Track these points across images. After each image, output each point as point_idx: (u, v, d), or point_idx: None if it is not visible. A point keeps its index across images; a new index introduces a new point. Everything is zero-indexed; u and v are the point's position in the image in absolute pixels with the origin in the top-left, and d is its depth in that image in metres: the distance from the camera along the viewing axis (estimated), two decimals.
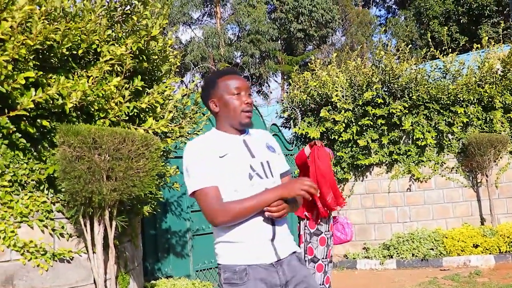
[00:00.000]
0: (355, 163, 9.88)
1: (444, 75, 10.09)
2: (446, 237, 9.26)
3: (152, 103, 5.13)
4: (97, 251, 4.50)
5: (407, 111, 9.66)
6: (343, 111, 9.71)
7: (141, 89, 5.06)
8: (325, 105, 9.99)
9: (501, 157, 9.77)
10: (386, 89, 9.80)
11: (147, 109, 5.20)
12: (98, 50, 4.79)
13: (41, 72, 4.34)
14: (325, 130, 9.92)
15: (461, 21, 25.54)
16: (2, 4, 4.19)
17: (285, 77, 32.88)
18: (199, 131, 6.18)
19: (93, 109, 4.71)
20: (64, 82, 4.30)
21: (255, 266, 2.45)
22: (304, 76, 10.61)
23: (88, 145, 4.14)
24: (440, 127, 9.62)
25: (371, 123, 9.69)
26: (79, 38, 4.59)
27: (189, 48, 30.65)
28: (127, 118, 4.98)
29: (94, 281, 4.65)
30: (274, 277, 2.46)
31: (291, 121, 10.55)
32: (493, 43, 10.54)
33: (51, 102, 4.33)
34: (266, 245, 2.48)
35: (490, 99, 9.72)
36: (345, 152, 9.87)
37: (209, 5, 34.09)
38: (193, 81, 6.80)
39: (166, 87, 5.40)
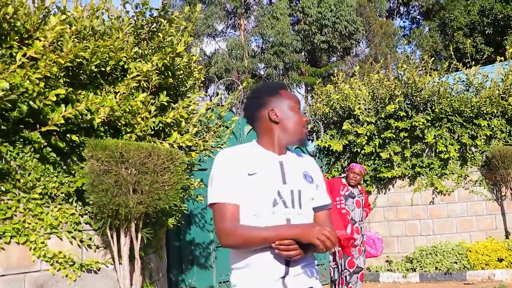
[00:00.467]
0: (377, 175, 9.91)
1: (467, 88, 10.08)
2: (470, 251, 9.22)
3: (177, 117, 5.26)
4: (123, 262, 4.63)
5: (429, 124, 9.67)
6: (365, 124, 9.76)
7: (166, 104, 5.21)
8: (348, 118, 10.05)
9: None
10: (408, 102, 9.83)
11: (172, 124, 5.33)
12: (126, 66, 4.94)
13: (71, 89, 4.51)
14: (347, 143, 9.97)
15: (486, 32, 25.37)
16: (35, 24, 4.38)
17: (308, 89, 32.94)
18: (222, 144, 6.29)
19: (120, 124, 4.86)
20: (92, 98, 4.46)
21: None
22: (326, 89, 10.69)
23: (115, 159, 4.29)
24: (463, 140, 9.61)
25: (394, 136, 9.72)
26: (107, 55, 4.75)
27: (213, 60, 30.89)
28: (152, 132, 5.13)
29: None
30: None
31: (314, 133, 10.63)
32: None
33: (80, 117, 4.49)
34: (276, 283, 2.27)
35: None
36: (367, 165, 9.91)
37: (233, 18, 34.35)
38: (217, 95, 6.93)
39: (191, 101, 5.53)
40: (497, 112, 9.69)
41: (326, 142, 10.15)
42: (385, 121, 9.75)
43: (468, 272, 9.00)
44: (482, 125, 9.65)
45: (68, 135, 4.55)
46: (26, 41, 4.39)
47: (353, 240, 6.28)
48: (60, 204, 4.61)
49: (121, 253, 4.65)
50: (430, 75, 10.23)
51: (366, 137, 9.79)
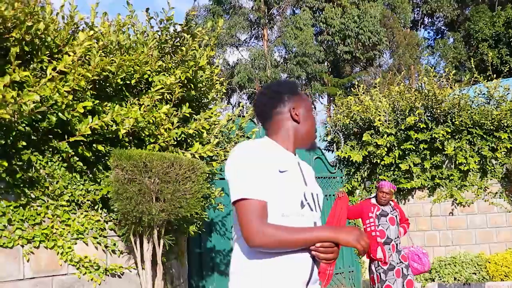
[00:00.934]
0: (397, 186, 9.98)
1: (488, 100, 10.12)
2: (489, 262, 9.24)
3: (198, 128, 5.45)
4: (146, 268, 4.82)
5: (449, 136, 9.73)
6: (385, 135, 9.86)
7: (188, 115, 5.40)
8: (368, 129, 10.16)
9: None
10: (428, 114, 9.90)
11: (194, 134, 5.53)
12: (150, 79, 5.15)
13: (97, 101, 4.73)
14: (367, 153, 10.07)
15: None
16: (65, 39, 4.61)
17: (331, 99, 33.02)
18: None
19: (144, 135, 5.06)
20: (118, 110, 4.67)
21: None
22: (347, 101, 10.82)
23: (139, 168, 4.49)
24: (483, 152, 9.65)
25: (414, 148, 9.80)
26: (132, 69, 4.97)
27: (236, 69, 31.19)
28: (175, 143, 5.32)
29: None
30: None
31: (334, 144, 10.75)
32: None
33: (106, 128, 4.70)
34: None
35: None
36: (387, 176, 9.99)
37: (257, 28, 34.67)
38: (239, 105, 7.10)
39: (212, 113, 5.72)
40: None
41: (346, 153, 10.26)
42: (405, 132, 9.84)
43: (487, 283, 9.03)
44: (502, 138, 9.67)
45: (94, 145, 4.77)
46: (56, 56, 4.62)
47: (380, 260, 6.33)
48: (86, 211, 4.82)
49: (144, 259, 4.84)
50: (451, 87, 10.28)
51: (386, 148, 9.88)
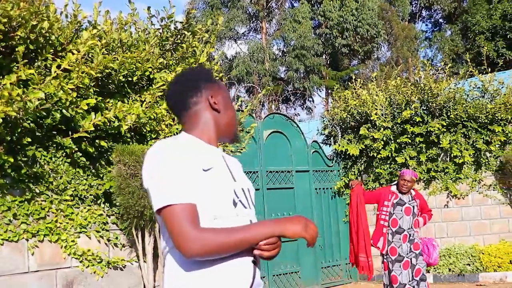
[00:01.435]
0: (393, 179, 10.11)
1: (483, 94, 10.25)
2: (483, 253, 9.41)
3: None
4: (148, 260, 4.96)
5: (445, 130, 9.86)
6: (382, 129, 9.99)
7: None
8: (365, 123, 10.29)
9: None
10: (424, 108, 10.03)
11: None
12: (151, 76, 5.28)
13: (100, 98, 4.86)
14: (364, 147, 10.21)
15: (508, 36, 25.34)
16: (68, 38, 4.73)
17: (329, 92, 33.13)
18: (242, 149, 6.59)
19: (145, 130, 5.20)
20: (120, 107, 4.80)
21: None
22: (344, 95, 10.94)
23: (141, 163, 4.59)
24: (477, 145, 9.79)
25: (410, 141, 9.93)
26: (134, 66, 5.09)
27: (235, 63, 31.25)
28: None
29: (144, 287, 5.11)
30: None
31: (331, 138, 10.88)
32: None
33: (109, 124, 4.83)
34: None
35: None
36: (383, 169, 10.13)
37: (255, 21, 34.69)
38: (237, 99, 7.22)
39: None
40: (511, 119, 9.85)
41: (343, 147, 10.39)
42: (401, 126, 9.97)
43: (481, 274, 9.19)
44: (496, 131, 9.81)
45: (97, 141, 4.90)
46: (60, 54, 4.75)
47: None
48: (89, 205, 4.96)
49: (145, 252, 4.98)
50: (447, 81, 10.41)
51: (382, 142, 10.01)
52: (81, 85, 4.54)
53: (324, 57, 33.28)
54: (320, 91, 35.01)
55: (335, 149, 10.57)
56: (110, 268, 5.01)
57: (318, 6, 32.62)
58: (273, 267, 8.84)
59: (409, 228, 6.44)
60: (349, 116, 10.53)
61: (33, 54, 4.58)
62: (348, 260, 10.26)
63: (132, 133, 5.19)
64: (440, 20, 39.71)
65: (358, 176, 10.45)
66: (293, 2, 34.51)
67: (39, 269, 4.63)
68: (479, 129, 9.89)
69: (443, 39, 35.60)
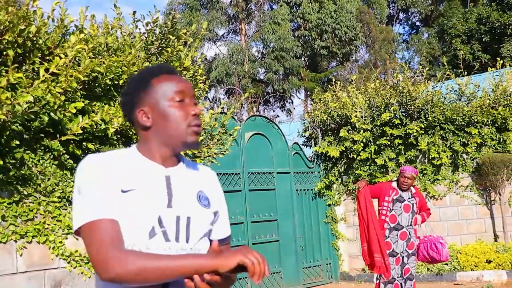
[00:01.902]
0: (373, 180, 10.30)
1: (459, 97, 10.50)
2: (460, 253, 9.63)
3: None
4: None
5: (423, 132, 10.08)
6: (362, 131, 10.17)
7: None
8: (345, 125, 10.46)
9: None
10: (403, 110, 10.24)
11: None
12: None
13: (87, 101, 4.93)
14: (344, 149, 10.38)
15: (484, 39, 25.81)
16: (55, 42, 4.79)
17: (308, 94, 33.36)
18: (225, 151, 6.68)
19: (131, 133, 5.27)
20: (107, 110, 4.87)
21: None
22: (324, 97, 11.11)
23: None
24: (455, 147, 10.02)
25: (389, 143, 10.13)
26: (121, 70, 5.16)
27: (214, 64, 31.33)
28: None
29: None
30: None
31: (312, 140, 11.03)
32: (509, 64, 10.93)
33: (95, 127, 4.90)
34: None
35: (503, 121, 10.11)
36: (363, 170, 10.31)
37: (234, 22, 34.81)
38: (215, 101, 7.32)
39: None
40: (487, 121, 10.10)
41: (323, 148, 10.55)
42: (381, 128, 10.16)
43: (458, 273, 9.40)
44: (473, 133, 10.05)
45: (84, 143, 4.96)
46: (47, 57, 4.80)
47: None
48: None
49: None
50: (425, 84, 10.64)
51: (362, 144, 10.19)
52: (69, 89, 4.60)
53: (303, 59, 33.53)
54: (299, 93, 35.25)
55: (316, 151, 10.73)
56: None
57: (297, 8, 32.87)
58: None
59: (408, 226, 6.46)
60: (329, 118, 10.70)
61: (21, 58, 4.64)
62: (328, 261, 10.45)
63: (119, 136, 5.26)
64: (417, 23, 40.26)
65: (339, 177, 10.62)
66: (272, 4, 34.68)
67: (27, 270, 4.69)
68: (456, 131, 10.13)
69: (420, 41, 36.12)
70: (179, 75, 1.89)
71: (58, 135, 4.71)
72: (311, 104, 31.09)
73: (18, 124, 4.47)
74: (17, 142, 4.48)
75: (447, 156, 10.03)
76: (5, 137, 4.43)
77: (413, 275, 6.58)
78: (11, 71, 4.12)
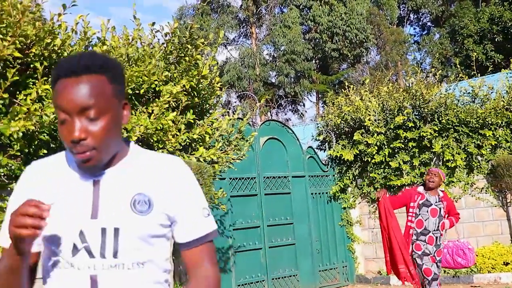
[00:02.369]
0: (387, 183, 10.38)
1: (473, 99, 10.54)
2: (477, 255, 9.67)
3: (202, 134, 5.79)
4: None
5: (437, 134, 10.13)
6: (375, 134, 10.25)
7: (192, 121, 5.74)
8: (358, 129, 10.54)
9: None
10: (416, 113, 10.30)
11: (197, 139, 5.87)
12: (157, 89, 5.48)
13: None
14: (358, 152, 10.46)
15: (496, 39, 25.76)
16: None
17: (319, 96, 33.43)
18: (242, 156, 6.79)
19: (152, 141, 5.39)
20: (129, 119, 5.00)
21: None
22: (338, 101, 11.20)
23: None
24: (469, 149, 10.07)
25: (403, 146, 10.20)
26: (141, 79, 5.29)
27: (225, 68, 31.50)
28: (181, 147, 5.65)
29: None
30: None
31: (326, 143, 11.12)
32: None
33: None
34: None
35: None
36: (377, 173, 10.38)
37: (245, 26, 34.97)
38: (235, 111, 7.43)
39: (215, 119, 6.06)
40: (501, 123, 10.14)
41: (338, 152, 10.64)
42: (394, 131, 10.23)
43: (475, 275, 9.45)
44: (487, 135, 10.09)
45: None
46: None
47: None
48: None
49: None
50: (438, 86, 10.69)
51: (376, 147, 10.27)
52: None
53: (314, 61, 33.62)
54: (311, 96, 35.32)
55: (330, 154, 10.82)
56: None
57: (308, 11, 32.99)
58: (272, 271, 9.06)
59: (435, 230, 6.31)
60: (343, 122, 10.78)
61: (47, 70, 4.77)
62: (344, 263, 10.53)
63: (140, 143, 5.39)
64: (428, 24, 40.20)
65: (353, 181, 10.69)
66: (282, 7, 34.82)
67: None
68: (470, 134, 10.17)
69: (431, 42, 36.07)
70: (80, 76, 1.50)
71: None
72: (323, 107, 31.22)
73: (45, 134, 4.61)
74: (45, 151, 4.62)
75: (461, 159, 10.08)
76: (33, 147, 4.57)
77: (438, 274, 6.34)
78: (39, 83, 4.26)
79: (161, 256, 1.63)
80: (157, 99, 5.42)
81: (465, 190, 10.29)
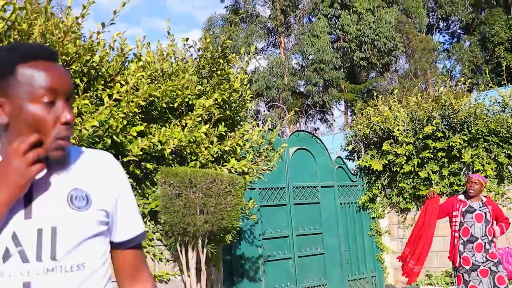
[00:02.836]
0: (416, 193, 10.39)
1: (503, 109, 10.51)
2: None
3: (233, 145, 5.95)
4: (191, 274, 5.32)
5: (466, 144, 10.12)
6: (404, 144, 10.28)
7: (224, 133, 5.91)
8: (387, 139, 10.59)
9: None
10: (445, 123, 10.31)
11: (229, 151, 6.03)
12: (190, 102, 5.67)
13: (145, 123, 5.25)
14: (387, 162, 10.50)
15: None
16: (116, 69, 5.14)
17: (348, 105, 33.41)
18: (272, 167, 6.93)
19: (185, 153, 5.57)
20: (163, 132, 5.19)
21: None
22: (367, 111, 11.26)
23: (185, 184, 5.00)
24: (499, 159, 10.03)
25: (432, 156, 10.21)
26: (175, 93, 5.48)
27: (254, 77, 31.72)
28: (213, 159, 5.82)
29: None
30: None
31: (355, 153, 11.19)
32: None
33: (153, 147, 5.21)
34: None
35: None
36: (406, 183, 10.41)
37: (274, 36, 35.19)
38: (266, 123, 7.58)
39: (246, 131, 6.22)
40: None
41: (366, 162, 10.70)
42: (423, 141, 10.25)
43: (511, 286, 9.38)
44: None
45: (143, 163, 5.29)
46: (109, 84, 5.15)
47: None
48: None
49: (188, 266, 5.34)
50: (467, 96, 10.68)
51: (405, 157, 10.30)
52: (130, 113, 4.94)
53: (342, 70, 33.62)
54: (339, 105, 35.30)
55: (359, 164, 10.88)
56: (157, 281, 5.38)
57: (336, 20, 33.04)
58: (301, 280, 9.15)
59: (482, 236, 6.08)
60: (371, 132, 10.84)
61: (86, 85, 4.99)
62: (373, 273, 10.56)
63: (174, 156, 5.57)
64: (458, 31, 39.87)
65: (382, 190, 10.73)
66: (310, 17, 34.96)
67: None
68: (501, 143, 10.14)
69: (461, 50, 35.77)
70: (56, 62, 1.47)
71: (119, 156, 5.04)
72: (351, 115, 31.22)
73: (84, 147, 4.81)
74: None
75: (491, 168, 10.05)
76: None
77: (508, 286, 6.13)
78: (79, 99, 4.47)
79: (101, 257, 1.50)
80: (190, 113, 5.60)
81: (496, 200, 10.23)
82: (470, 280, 6.02)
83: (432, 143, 10.13)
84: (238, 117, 6.52)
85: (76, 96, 4.55)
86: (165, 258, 5.51)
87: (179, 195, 5.00)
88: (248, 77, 6.86)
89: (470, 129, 10.12)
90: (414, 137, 10.32)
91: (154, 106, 5.39)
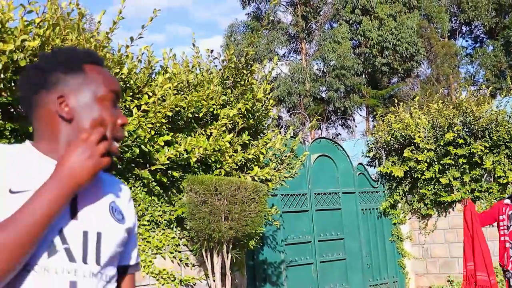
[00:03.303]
0: (437, 199, 10.45)
1: None
2: None
3: (257, 154, 6.13)
4: (216, 278, 5.50)
5: (488, 151, 10.16)
6: (425, 151, 10.36)
7: (247, 142, 6.08)
8: (408, 146, 10.67)
9: None
10: (467, 130, 10.36)
11: (252, 159, 6.20)
12: (215, 112, 5.86)
13: (171, 133, 5.46)
14: (408, 169, 10.58)
15: None
16: (144, 81, 5.35)
17: (369, 110, 33.39)
18: (294, 174, 7.08)
19: (210, 161, 5.76)
20: (189, 141, 5.38)
21: None
22: (388, 118, 11.36)
23: (210, 192, 5.18)
24: None
25: (453, 162, 10.27)
26: (200, 103, 5.68)
27: (276, 83, 31.88)
28: (237, 167, 6.00)
29: None
30: None
31: (376, 160, 11.29)
32: None
33: (179, 156, 5.41)
34: None
35: None
36: (428, 190, 10.48)
37: (295, 42, 35.35)
38: (288, 131, 7.74)
39: (269, 139, 6.39)
40: None
41: (388, 168, 10.79)
42: (444, 148, 10.32)
43: None
44: None
45: (169, 171, 5.49)
46: (137, 95, 5.36)
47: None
48: (163, 229, 5.55)
49: (214, 271, 5.53)
50: (492, 97, 10.72)
51: (426, 164, 10.37)
52: (157, 123, 5.14)
53: (364, 76, 33.63)
54: (361, 110, 35.31)
55: (380, 171, 10.97)
56: (182, 286, 5.57)
57: (357, 26, 33.09)
58: (323, 285, 9.28)
59: None
60: (392, 139, 10.93)
61: None
62: (395, 279, 10.64)
63: (199, 164, 5.76)
64: (481, 36, 39.60)
65: (403, 197, 10.81)
66: (332, 23, 35.05)
67: None
68: None
69: (485, 55, 35.54)
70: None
71: (147, 165, 5.24)
72: (373, 121, 31.21)
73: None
74: (113, 172, 5.03)
75: None
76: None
77: None
78: None
79: (115, 276, 1.48)
80: (215, 122, 5.79)
81: None
82: None
83: (453, 150, 10.19)
84: (261, 126, 6.69)
85: None
86: (191, 263, 5.70)
87: (204, 202, 5.18)
88: (270, 86, 7.04)
89: (491, 135, 10.16)
90: (435, 143, 10.39)
91: (180, 116, 5.59)
